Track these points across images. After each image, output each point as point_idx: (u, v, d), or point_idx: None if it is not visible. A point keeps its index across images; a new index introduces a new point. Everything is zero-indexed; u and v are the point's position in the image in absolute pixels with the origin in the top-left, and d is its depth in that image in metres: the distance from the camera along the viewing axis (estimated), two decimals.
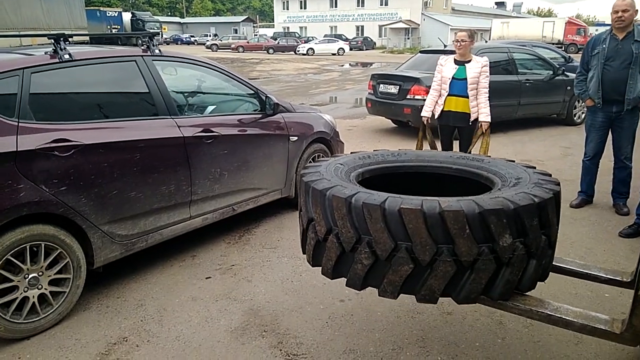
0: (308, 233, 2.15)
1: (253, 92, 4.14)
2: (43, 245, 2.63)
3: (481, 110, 4.56)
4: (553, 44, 32.97)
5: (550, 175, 2.19)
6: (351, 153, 2.64)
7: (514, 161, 2.46)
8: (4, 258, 2.47)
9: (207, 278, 3.34)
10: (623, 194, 4.52)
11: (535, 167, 2.31)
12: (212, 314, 2.90)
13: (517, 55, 8.45)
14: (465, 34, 4.53)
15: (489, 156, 2.65)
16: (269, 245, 3.88)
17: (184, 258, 3.63)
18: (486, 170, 2.41)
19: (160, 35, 49.68)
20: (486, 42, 11.40)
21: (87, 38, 11.96)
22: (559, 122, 9.09)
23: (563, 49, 32.10)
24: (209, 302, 3.03)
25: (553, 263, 2.29)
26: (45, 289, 2.67)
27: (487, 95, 4.56)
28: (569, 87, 8.27)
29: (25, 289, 2.59)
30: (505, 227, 1.81)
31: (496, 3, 76.42)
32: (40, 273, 2.64)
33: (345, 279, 2.03)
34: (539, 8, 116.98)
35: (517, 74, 8.20)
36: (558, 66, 8.83)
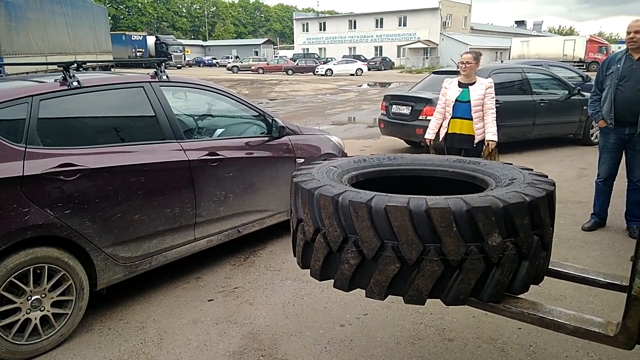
0: (297, 234, 2.14)
1: (259, 115, 4.20)
2: (46, 267, 2.69)
3: (487, 130, 4.53)
4: (574, 62, 32.74)
5: (547, 177, 2.15)
6: (348, 157, 2.64)
7: (511, 164, 2.43)
8: (8, 280, 2.53)
9: (209, 300, 3.36)
10: (636, 216, 4.40)
11: (532, 169, 2.27)
12: (211, 338, 2.91)
13: (532, 75, 8.40)
14: (470, 56, 4.54)
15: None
16: (273, 267, 3.89)
17: (188, 280, 3.66)
18: (482, 172, 2.39)
19: (183, 58, 50.89)
20: (502, 62, 11.34)
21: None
22: (576, 142, 8.95)
23: (585, 67, 31.81)
24: (209, 325, 3.04)
25: (550, 267, 2.24)
26: (48, 310, 2.72)
27: (494, 115, 4.54)
28: (585, 107, 8.16)
29: (28, 311, 2.64)
30: (494, 225, 1.77)
31: (516, 22, 76.35)
32: (43, 295, 2.70)
33: (333, 281, 2.00)
34: (560, 26, 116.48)
35: (531, 94, 8.14)
36: (574, 86, 8.75)
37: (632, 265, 1.77)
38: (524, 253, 1.86)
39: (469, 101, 4.50)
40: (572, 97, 8.46)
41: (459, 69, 4.68)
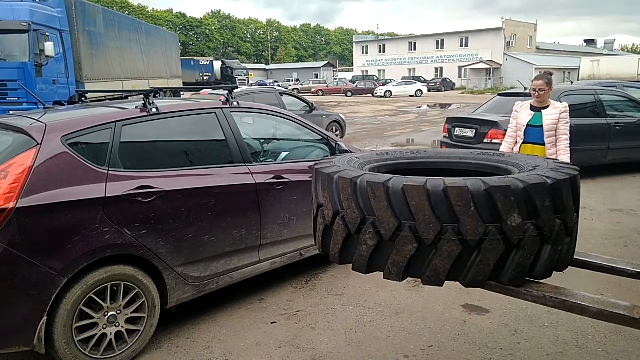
0: (317, 219, 2.17)
1: (323, 138, 4.25)
2: (122, 284, 2.83)
3: (560, 157, 4.33)
4: None
5: (571, 164, 2.10)
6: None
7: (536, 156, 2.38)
8: (88, 296, 2.69)
9: (272, 323, 3.39)
10: None
11: (557, 160, 2.20)
12: None
13: (605, 97, 7.98)
14: (542, 82, 4.35)
15: None
16: (334, 291, 3.87)
17: (251, 301, 3.72)
18: (506, 163, 2.35)
19: (247, 82, 52.75)
20: (571, 82, 10.86)
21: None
22: None
23: None
24: (272, 349, 3.06)
25: (576, 257, 2.18)
26: (122, 326, 2.85)
27: (568, 142, 4.33)
28: None
29: (104, 326, 2.78)
30: (513, 206, 1.74)
31: (585, 41, 73.03)
32: (119, 311, 2.83)
33: (352, 264, 2.01)
34: (633, 44, 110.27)
35: (605, 117, 7.73)
36: None
37: None
38: (546, 236, 1.83)
39: (542, 126, 4.33)
40: None
41: (530, 94, 4.52)
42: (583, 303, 1.85)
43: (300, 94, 16.75)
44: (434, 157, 2.59)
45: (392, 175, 1.88)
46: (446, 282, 1.83)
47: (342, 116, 13.36)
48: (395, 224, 1.82)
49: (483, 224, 1.75)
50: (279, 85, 58.89)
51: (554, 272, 1.93)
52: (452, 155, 2.60)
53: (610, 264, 2.25)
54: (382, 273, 1.92)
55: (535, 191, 1.78)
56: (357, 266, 1.98)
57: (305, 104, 11.48)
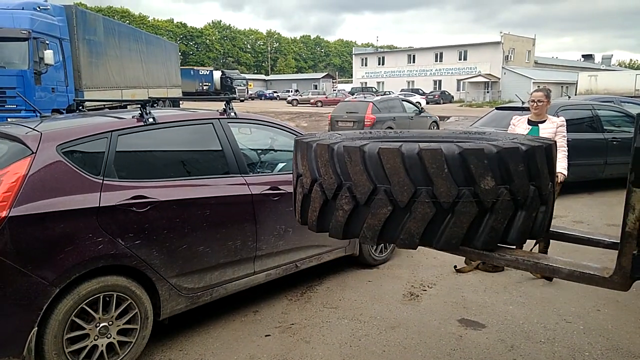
0: (297, 189, 2.21)
1: None
2: (115, 295, 2.80)
3: (558, 165, 4.34)
4: None
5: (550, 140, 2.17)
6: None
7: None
8: (80, 306, 2.65)
9: (266, 336, 3.35)
10: None
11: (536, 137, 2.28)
12: None
13: (602, 112, 8.02)
14: (542, 94, 4.39)
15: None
16: (330, 304, 3.84)
17: (246, 313, 3.68)
18: (487, 140, 2.38)
19: (246, 91, 52.95)
20: (568, 97, 10.91)
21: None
22: None
23: None
24: None
25: (553, 229, 2.22)
26: (114, 338, 2.82)
27: (565, 153, 4.34)
28: None
29: (96, 337, 2.74)
30: (486, 168, 1.78)
31: (583, 56, 73.58)
32: (110, 322, 2.80)
33: (329, 231, 2.05)
34: (631, 60, 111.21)
35: (602, 132, 7.76)
36: None
37: (625, 200, 1.73)
38: (520, 201, 1.87)
39: None
40: None
41: (529, 107, 4.53)
42: (554, 265, 1.88)
43: (407, 98, 20.61)
44: (416, 137, 2.64)
45: (368, 141, 1.95)
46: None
47: (437, 117, 17.25)
48: (371, 187, 1.87)
49: (456, 187, 1.79)
50: (278, 96, 59.28)
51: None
52: (435, 135, 2.66)
53: (587, 236, 2.30)
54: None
55: (508, 155, 1.83)
56: (333, 232, 2.03)
57: (416, 108, 16.10)
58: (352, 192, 1.91)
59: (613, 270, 1.79)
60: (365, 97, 20.08)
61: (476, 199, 1.79)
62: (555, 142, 2.11)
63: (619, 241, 2.14)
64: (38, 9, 11.44)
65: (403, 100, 16.31)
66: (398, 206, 1.84)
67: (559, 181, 4.34)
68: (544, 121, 4.40)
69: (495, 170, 1.80)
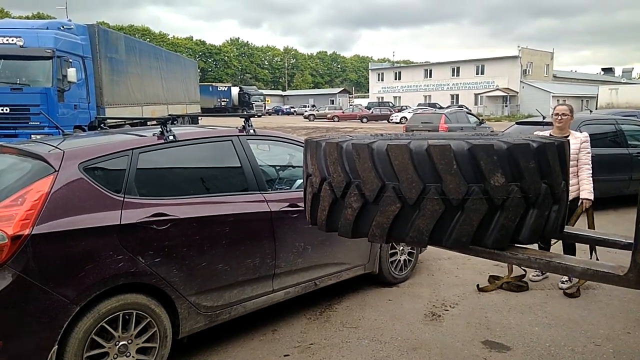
0: (306, 189, 2.19)
1: None
2: (135, 313, 2.78)
3: (583, 187, 4.23)
4: None
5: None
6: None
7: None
8: (99, 325, 2.64)
9: (285, 356, 3.30)
10: None
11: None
12: None
13: (626, 127, 7.87)
14: (566, 108, 4.32)
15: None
16: (349, 324, 3.77)
17: (264, 332, 3.64)
18: (499, 140, 2.34)
19: (264, 107, 53.44)
20: (590, 111, 10.74)
21: None
22: None
23: None
24: None
25: (567, 231, 2.17)
26: (133, 356, 2.80)
27: (590, 172, 4.24)
28: None
29: (115, 356, 2.73)
30: (496, 165, 1.74)
31: (603, 69, 72.72)
32: (130, 341, 2.78)
33: (338, 230, 2.03)
34: None
35: (627, 147, 7.60)
36: None
37: (639, 197, 1.63)
38: (531, 199, 1.81)
39: None
40: None
41: (551, 122, 4.46)
42: (568, 263, 1.83)
43: (467, 111, 22.38)
44: (428, 139, 2.61)
45: (377, 138, 1.92)
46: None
47: (493, 128, 17.46)
48: (379, 184, 1.85)
49: (466, 183, 1.75)
50: (295, 111, 59.73)
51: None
52: (447, 137, 2.62)
53: (602, 237, 2.24)
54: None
55: (519, 152, 1.78)
56: (342, 231, 2.00)
57: (477, 119, 17.99)
58: (360, 189, 1.90)
59: (628, 268, 1.74)
60: (435, 110, 21.47)
61: (486, 196, 1.76)
62: (568, 140, 2.08)
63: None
64: (62, 28, 11.73)
65: (468, 114, 19.09)
66: (407, 203, 1.82)
67: (584, 207, 4.21)
68: (567, 136, 4.31)
69: (505, 166, 1.76)
